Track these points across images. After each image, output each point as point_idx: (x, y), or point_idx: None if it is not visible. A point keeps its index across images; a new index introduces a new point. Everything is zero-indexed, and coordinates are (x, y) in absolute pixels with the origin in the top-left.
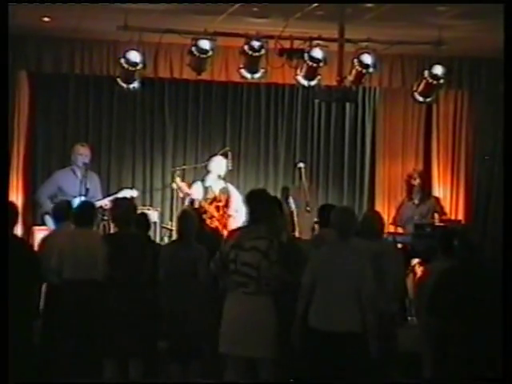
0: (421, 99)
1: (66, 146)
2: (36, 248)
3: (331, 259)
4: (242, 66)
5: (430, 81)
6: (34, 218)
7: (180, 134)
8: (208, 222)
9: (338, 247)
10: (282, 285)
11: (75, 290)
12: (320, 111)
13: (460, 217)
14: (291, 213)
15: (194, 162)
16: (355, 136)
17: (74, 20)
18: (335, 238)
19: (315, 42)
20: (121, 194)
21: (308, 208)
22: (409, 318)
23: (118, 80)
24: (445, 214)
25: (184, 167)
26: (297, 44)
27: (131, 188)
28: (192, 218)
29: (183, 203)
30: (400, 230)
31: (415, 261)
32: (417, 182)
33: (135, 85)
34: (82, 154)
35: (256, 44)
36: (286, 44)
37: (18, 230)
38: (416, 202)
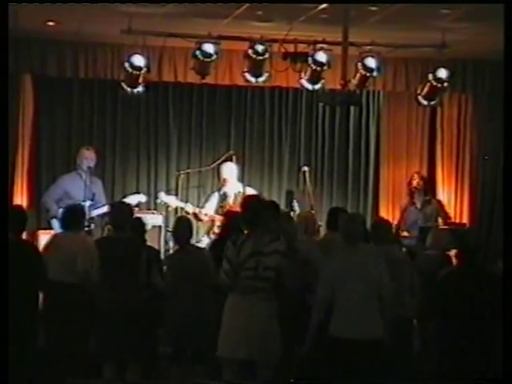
0: (425, 102)
1: (70, 150)
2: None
3: (347, 267)
4: (246, 69)
5: (434, 84)
6: (38, 221)
7: (184, 138)
8: (217, 230)
9: (351, 254)
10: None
11: (57, 291)
12: (324, 115)
13: (465, 220)
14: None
15: (199, 166)
16: (359, 139)
17: (78, 24)
18: (344, 244)
19: (319, 45)
20: (129, 199)
21: (312, 211)
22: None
23: (122, 84)
24: (449, 218)
25: (188, 171)
26: (301, 48)
27: (139, 193)
28: (184, 225)
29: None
30: (404, 234)
31: None
32: (419, 185)
33: (139, 89)
34: (88, 157)
35: (260, 48)
36: (290, 48)
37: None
38: (418, 206)
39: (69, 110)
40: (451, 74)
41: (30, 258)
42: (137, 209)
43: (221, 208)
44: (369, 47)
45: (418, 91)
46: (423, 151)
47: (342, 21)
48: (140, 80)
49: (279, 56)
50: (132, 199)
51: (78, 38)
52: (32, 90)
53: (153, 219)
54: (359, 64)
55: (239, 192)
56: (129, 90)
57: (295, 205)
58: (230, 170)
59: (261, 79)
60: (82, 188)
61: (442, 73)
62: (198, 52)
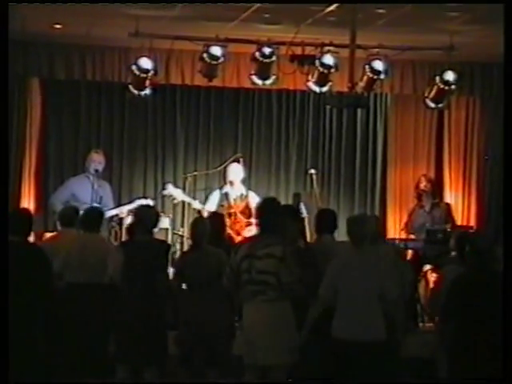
0: (432, 105)
1: (77, 153)
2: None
3: (350, 268)
4: (253, 72)
5: (442, 87)
6: (45, 224)
7: (191, 140)
8: None
9: (355, 255)
10: (306, 288)
11: (81, 293)
12: (331, 117)
13: (472, 223)
14: (302, 219)
15: (206, 168)
16: (367, 142)
17: (86, 27)
18: (350, 245)
19: (326, 48)
20: (135, 204)
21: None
22: (420, 324)
23: (130, 87)
24: (454, 222)
25: (195, 173)
26: (308, 50)
27: (146, 197)
28: (202, 225)
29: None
30: (411, 236)
31: (427, 267)
32: (427, 188)
33: (147, 91)
34: (95, 160)
35: (267, 50)
36: (298, 50)
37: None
38: (427, 209)
39: (76, 112)
40: (459, 76)
41: (37, 261)
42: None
43: (221, 207)
44: (376, 50)
45: (426, 94)
46: (430, 154)
47: (350, 23)
48: (147, 83)
49: (286, 59)
50: (138, 204)
51: (86, 41)
52: (40, 92)
53: (160, 222)
54: (366, 67)
55: (242, 195)
56: (136, 92)
57: (302, 207)
58: (236, 172)
59: (268, 82)
60: (89, 191)
61: (450, 75)
62: (205, 55)
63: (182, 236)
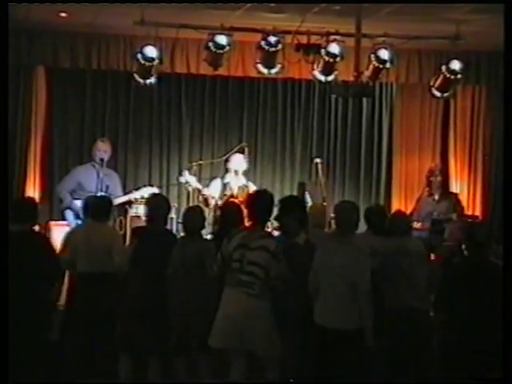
0: (438, 94)
1: (82, 141)
2: (60, 243)
3: (329, 256)
4: (258, 61)
5: (448, 76)
6: (50, 213)
7: (196, 129)
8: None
9: (336, 244)
10: (287, 286)
11: (89, 283)
12: (337, 106)
13: (477, 213)
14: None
15: (211, 158)
16: (372, 131)
17: (91, 15)
18: (336, 233)
19: (332, 37)
20: (140, 191)
21: (325, 203)
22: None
23: (135, 75)
24: (463, 211)
25: (200, 162)
26: (314, 39)
27: (152, 185)
28: (197, 215)
29: (199, 199)
30: (416, 225)
31: (432, 256)
32: (438, 179)
33: (152, 80)
34: (101, 149)
35: (273, 39)
36: (303, 39)
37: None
38: (436, 197)
39: (81, 101)
40: (465, 65)
41: (42, 250)
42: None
43: (224, 196)
44: (382, 39)
45: (432, 83)
46: (436, 143)
47: (355, 12)
48: (152, 71)
49: (292, 48)
50: (144, 191)
51: (91, 30)
52: (45, 81)
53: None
54: (372, 56)
55: (243, 185)
56: (141, 81)
57: (307, 197)
58: (240, 162)
59: (273, 71)
60: (95, 180)
61: (456, 65)
62: (210, 43)
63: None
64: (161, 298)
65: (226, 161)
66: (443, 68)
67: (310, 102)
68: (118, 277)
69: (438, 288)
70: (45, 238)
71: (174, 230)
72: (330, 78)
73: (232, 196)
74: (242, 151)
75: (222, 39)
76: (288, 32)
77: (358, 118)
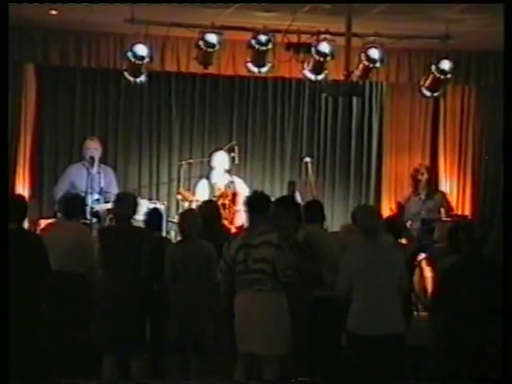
0: (428, 94)
1: (72, 139)
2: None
3: (368, 261)
4: (249, 59)
5: (438, 75)
6: (40, 210)
7: (186, 128)
8: None
9: (372, 249)
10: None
11: (59, 281)
12: (327, 105)
13: (467, 212)
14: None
15: (201, 156)
16: (362, 130)
17: (81, 13)
18: (364, 239)
19: (322, 36)
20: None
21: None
22: (415, 312)
23: (125, 73)
24: (452, 209)
25: (190, 161)
26: (304, 38)
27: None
28: (194, 217)
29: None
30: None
31: (422, 256)
32: (424, 177)
33: (142, 78)
34: (90, 147)
35: (263, 38)
36: (293, 38)
37: (25, 223)
38: (422, 197)
39: (71, 99)
40: (455, 65)
41: (32, 247)
42: (138, 197)
43: (214, 197)
44: (372, 38)
45: (422, 82)
46: (426, 142)
47: (346, 12)
48: (143, 70)
49: (282, 46)
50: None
51: (81, 27)
52: (35, 79)
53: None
54: (362, 55)
55: (230, 182)
56: (131, 79)
57: (297, 195)
58: (218, 159)
59: (264, 69)
60: (86, 178)
61: (446, 64)
62: (200, 42)
63: (176, 223)
64: (137, 297)
65: (209, 160)
66: (433, 67)
67: (300, 101)
68: (84, 276)
69: (435, 288)
70: (35, 236)
71: (164, 228)
72: (320, 77)
73: (221, 196)
74: (231, 150)
75: (212, 38)
76: (278, 31)
77: (348, 117)
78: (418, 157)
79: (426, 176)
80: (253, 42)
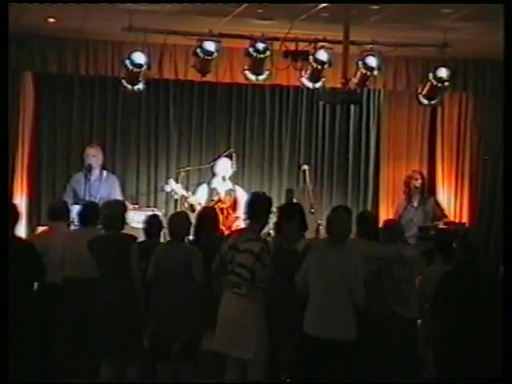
0: (425, 102)
1: (70, 147)
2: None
3: (323, 264)
4: (246, 67)
5: (435, 83)
6: (38, 218)
7: (184, 135)
8: None
9: (330, 251)
10: (275, 289)
11: (78, 287)
12: (324, 113)
13: (464, 219)
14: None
15: (199, 164)
16: (359, 138)
17: (79, 21)
18: (327, 242)
19: (320, 44)
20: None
21: (312, 210)
22: None
23: (123, 81)
24: (445, 215)
25: (188, 168)
26: (302, 46)
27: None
28: (183, 220)
29: (185, 205)
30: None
31: None
32: (418, 182)
33: (140, 86)
34: (89, 155)
35: (261, 46)
36: (291, 46)
37: (23, 231)
38: (415, 204)
39: (69, 107)
40: (452, 73)
41: (24, 255)
42: (137, 205)
43: (211, 201)
44: (370, 46)
45: (419, 90)
46: (423, 150)
47: (343, 19)
48: (140, 77)
49: (280, 54)
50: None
51: (79, 35)
52: (33, 87)
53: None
54: (360, 63)
55: (230, 190)
56: (129, 87)
57: None
58: (225, 167)
59: (261, 77)
60: (85, 185)
61: (443, 72)
62: (198, 50)
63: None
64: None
65: (213, 165)
66: (430, 75)
67: (297, 109)
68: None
69: (433, 294)
70: (27, 243)
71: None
72: (318, 84)
73: (220, 201)
74: (229, 157)
75: (210, 45)
76: (276, 39)
77: (346, 125)
78: (416, 164)
79: (419, 181)
80: (250, 49)
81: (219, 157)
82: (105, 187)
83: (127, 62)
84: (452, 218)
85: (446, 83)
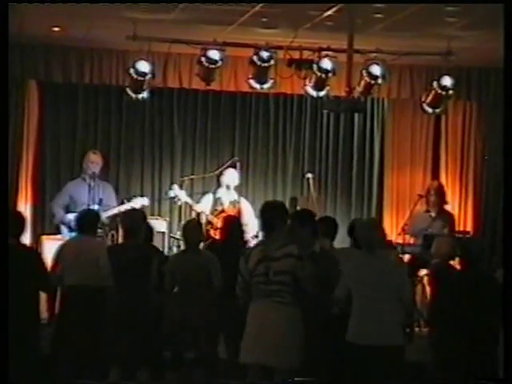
0: (429, 110)
1: (74, 156)
2: (51, 257)
3: (366, 273)
4: (250, 76)
5: (439, 91)
6: (43, 227)
7: (189, 144)
8: (212, 233)
9: (370, 259)
10: (320, 287)
11: (79, 296)
12: (328, 122)
13: (469, 228)
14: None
15: (203, 172)
16: (363, 147)
17: (84, 30)
18: (363, 251)
19: (324, 52)
20: (132, 203)
21: (316, 218)
22: (416, 328)
23: (127, 90)
24: (454, 231)
25: (192, 177)
26: (306, 54)
27: (142, 196)
28: (197, 227)
29: (191, 213)
30: (409, 240)
31: (423, 271)
32: (432, 198)
33: (144, 95)
34: (93, 161)
35: (265, 54)
36: (295, 54)
37: (27, 239)
38: (433, 214)
39: (74, 115)
40: (456, 81)
41: (29, 262)
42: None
43: (215, 211)
44: (374, 54)
45: (423, 99)
46: (427, 159)
47: (348, 28)
48: (145, 86)
49: (284, 63)
50: (135, 202)
51: (84, 44)
52: (37, 95)
53: (157, 225)
54: (364, 71)
55: (235, 200)
56: (134, 95)
57: None
58: (233, 177)
59: (266, 86)
60: (86, 193)
61: (447, 80)
62: (203, 58)
63: (178, 239)
64: (144, 311)
65: (219, 175)
66: (434, 84)
67: (301, 117)
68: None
69: (433, 303)
70: (32, 251)
71: (166, 244)
72: (322, 93)
73: (223, 211)
74: (233, 166)
75: (214, 54)
76: (280, 47)
77: (350, 134)
78: (420, 173)
79: (434, 197)
80: (255, 58)
81: (223, 166)
82: (102, 192)
83: (131, 70)
84: (456, 227)
85: (450, 92)
